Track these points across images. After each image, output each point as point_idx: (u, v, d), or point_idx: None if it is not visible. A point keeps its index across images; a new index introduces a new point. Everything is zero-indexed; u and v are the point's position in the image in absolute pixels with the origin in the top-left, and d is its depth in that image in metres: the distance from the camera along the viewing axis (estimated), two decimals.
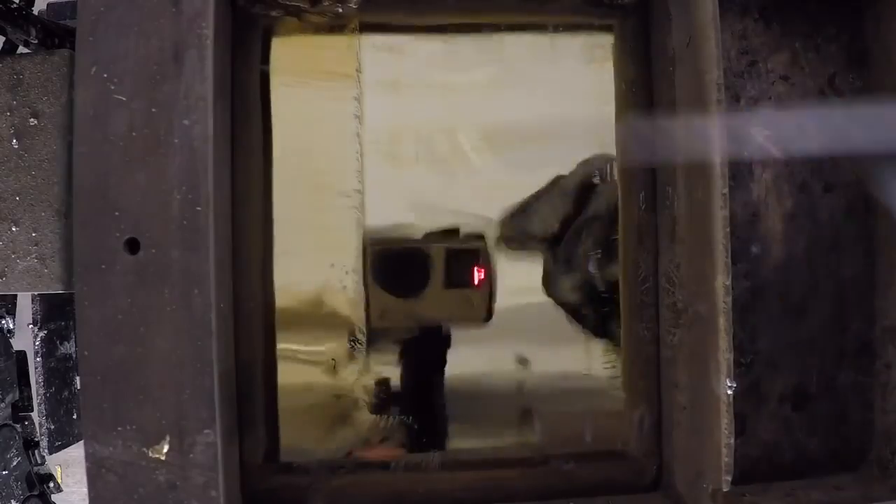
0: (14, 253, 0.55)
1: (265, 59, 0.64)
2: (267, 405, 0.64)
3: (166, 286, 0.50)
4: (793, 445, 0.68)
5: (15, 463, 0.77)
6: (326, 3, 0.63)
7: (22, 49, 0.68)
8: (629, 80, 0.67)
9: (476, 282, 0.67)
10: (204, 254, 0.51)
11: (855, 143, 0.64)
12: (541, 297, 0.67)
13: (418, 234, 0.67)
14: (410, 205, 0.66)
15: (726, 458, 0.53)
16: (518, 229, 0.67)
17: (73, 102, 0.53)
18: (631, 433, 0.66)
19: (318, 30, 0.65)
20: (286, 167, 0.64)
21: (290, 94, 0.65)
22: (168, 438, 0.51)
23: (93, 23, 0.51)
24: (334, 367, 0.66)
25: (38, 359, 0.81)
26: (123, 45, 0.51)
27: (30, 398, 0.80)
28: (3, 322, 0.79)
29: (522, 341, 0.67)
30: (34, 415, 0.81)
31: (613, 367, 0.68)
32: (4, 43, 0.67)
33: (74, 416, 0.84)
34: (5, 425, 0.77)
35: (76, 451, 0.70)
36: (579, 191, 0.67)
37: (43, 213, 0.55)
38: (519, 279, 0.68)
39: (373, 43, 0.66)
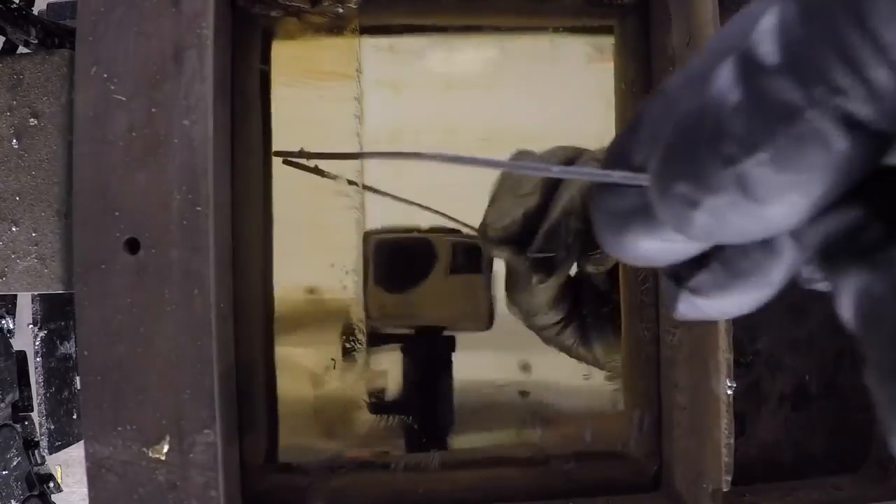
0: (14, 253, 0.55)
1: (265, 59, 0.64)
2: (267, 405, 0.64)
3: (166, 286, 0.51)
4: (793, 445, 0.68)
5: (15, 463, 0.77)
6: (326, 4, 0.63)
7: (22, 49, 0.68)
8: (629, 80, 0.67)
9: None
10: (204, 254, 0.51)
11: None
12: None
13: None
14: (411, 205, 0.66)
15: (726, 458, 0.53)
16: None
17: (73, 102, 0.53)
18: (631, 433, 0.66)
19: (319, 30, 0.65)
20: (286, 167, 0.64)
21: (290, 95, 0.65)
22: (168, 438, 0.51)
23: (93, 23, 0.51)
24: (334, 366, 0.66)
25: (38, 359, 0.81)
26: (123, 45, 0.51)
27: (30, 398, 0.80)
28: (3, 322, 0.79)
29: (523, 342, 0.67)
30: (34, 415, 0.81)
31: (614, 366, 0.68)
32: (4, 43, 0.67)
33: (74, 416, 0.84)
34: (5, 425, 0.77)
35: (76, 451, 0.70)
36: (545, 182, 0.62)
37: (43, 213, 0.55)
38: None
39: (373, 43, 0.66)
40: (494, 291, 0.67)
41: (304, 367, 0.65)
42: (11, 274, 0.55)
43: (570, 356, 0.66)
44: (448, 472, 0.65)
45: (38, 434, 0.81)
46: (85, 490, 0.51)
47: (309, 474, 0.64)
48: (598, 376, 0.68)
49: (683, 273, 0.23)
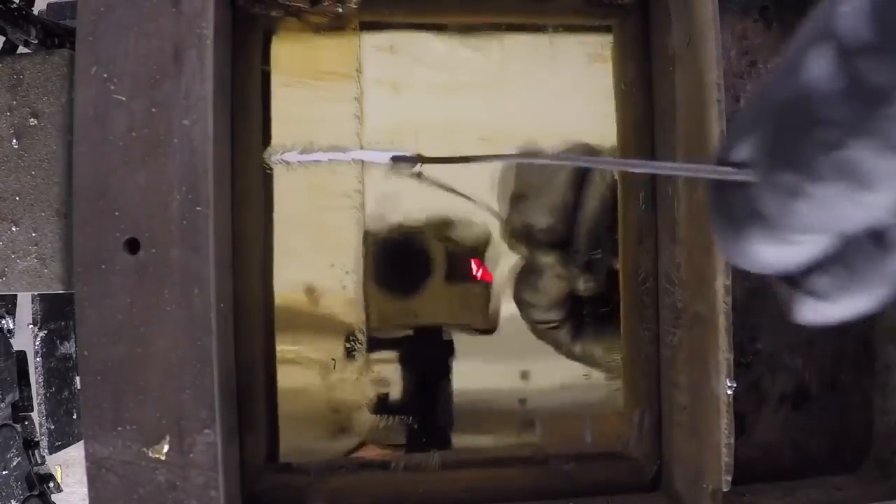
0: (14, 253, 0.55)
1: (265, 59, 0.64)
2: (267, 405, 0.64)
3: (166, 286, 0.51)
4: (793, 445, 0.68)
5: (15, 463, 0.77)
6: (326, 3, 0.63)
7: (22, 49, 0.68)
8: (629, 80, 0.67)
9: (477, 277, 0.67)
10: (204, 254, 0.51)
11: None
12: None
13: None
14: (411, 205, 0.66)
15: (726, 458, 0.53)
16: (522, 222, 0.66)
17: (73, 102, 0.53)
18: (631, 433, 0.66)
19: (319, 30, 0.65)
20: (286, 167, 0.64)
21: (291, 94, 0.65)
22: (168, 438, 0.51)
23: (93, 23, 0.51)
24: (334, 366, 0.66)
25: (38, 359, 0.81)
26: (123, 45, 0.51)
27: (30, 398, 0.80)
28: (3, 322, 0.79)
29: (523, 343, 0.67)
30: (34, 415, 0.81)
31: (614, 366, 0.68)
32: (4, 43, 0.67)
33: (74, 416, 0.84)
34: (5, 425, 0.77)
35: (76, 451, 0.70)
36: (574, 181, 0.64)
37: (43, 213, 0.55)
38: None
39: (373, 43, 0.66)
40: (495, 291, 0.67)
41: (304, 367, 0.65)
42: (11, 274, 0.55)
43: (561, 353, 0.67)
44: (448, 472, 0.65)
45: (38, 434, 0.81)
46: (85, 490, 0.51)
47: (309, 474, 0.64)
48: (598, 376, 0.68)
49: (801, 278, 0.23)
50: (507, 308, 0.67)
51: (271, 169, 0.63)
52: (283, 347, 0.65)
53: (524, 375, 0.67)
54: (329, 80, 0.66)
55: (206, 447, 0.51)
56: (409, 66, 0.67)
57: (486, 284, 0.67)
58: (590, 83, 0.68)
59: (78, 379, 0.78)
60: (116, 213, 0.51)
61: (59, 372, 0.82)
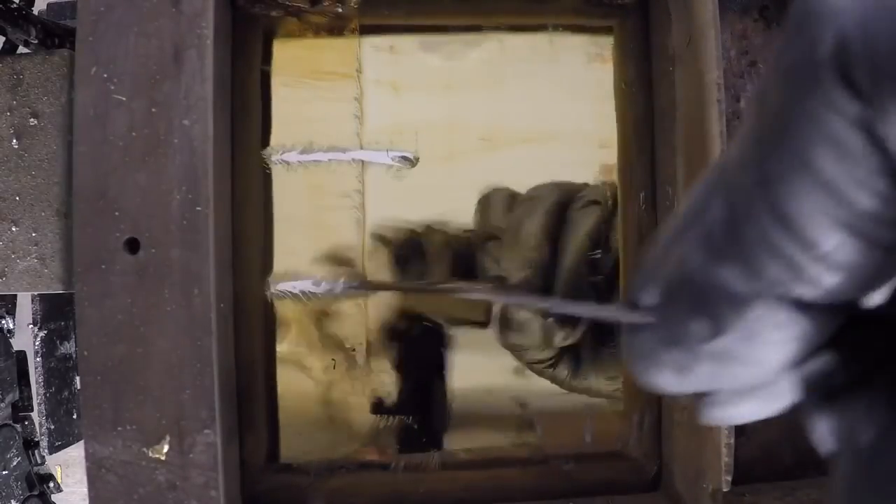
0: (14, 253, 0.55)
1: (266, 59, 0.64)
2: (267, 405, 0.64)
3: (166, 286, 0.51)
4: (793, 445, 0.68)
5: (15, 463, 0.77)
6: (326, 4, 0.63)
7: (22, 49, 0.68)
8: (629, 80, 0.67)
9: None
10: (204, 254, 0.51)
11: None
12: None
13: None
14: (411, 205, 0.66)
15: (726, 458, 0.53)
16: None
17: (73, 102, 0.53)
18: (631, 433, 0.66)
19: (319, 30, 0.65)
20: (286, 167, 0.64)
21: (291, 94, 0.65)
22: (168, 438, 0.51)
23: (93, 23, 0.51)
24: (334, 366, 0.66)
25: (38, 359, 0.81)
26: (123, 45, 0.51)
27: (30, 398, 0.80)
28: (3, 322, 0.79)
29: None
30: (34, 415, 0.81)
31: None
32: (4, 43, 0.67)
33: (74, 416, 0.84)
34: (5, 425, 0.77)
35: (76, 451, 0.70)
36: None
37: (43, 213, 0.55)
38: None
39: (373, 43, 0.66)
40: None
41: (304, 367, 0.65)
42: (11, 274, 0.55)
43: (562, 388, 0.66)
44: (448, 472, 0.65)
45: (38, 434, 0.81)
46: (85, 490, 0.51)
47: (309, 474, 0.64)
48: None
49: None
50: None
51: (271, 169, 0.63)
52: (283, 347, 0.65)
53: (523, 372, 0.67)
54: (329, 80, 0.66)
55: (206, 447, 0.51)
56: (409, 66, 0.67)
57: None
58: (590, 83, 0.68)
59: (78, 379, 0.78)
60: (116, 213, 0.51)
61: (59, 372, 0.82)
